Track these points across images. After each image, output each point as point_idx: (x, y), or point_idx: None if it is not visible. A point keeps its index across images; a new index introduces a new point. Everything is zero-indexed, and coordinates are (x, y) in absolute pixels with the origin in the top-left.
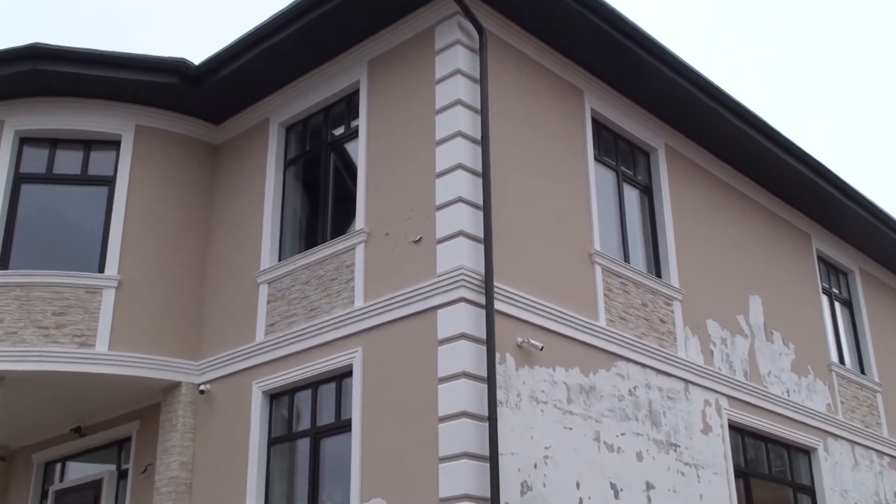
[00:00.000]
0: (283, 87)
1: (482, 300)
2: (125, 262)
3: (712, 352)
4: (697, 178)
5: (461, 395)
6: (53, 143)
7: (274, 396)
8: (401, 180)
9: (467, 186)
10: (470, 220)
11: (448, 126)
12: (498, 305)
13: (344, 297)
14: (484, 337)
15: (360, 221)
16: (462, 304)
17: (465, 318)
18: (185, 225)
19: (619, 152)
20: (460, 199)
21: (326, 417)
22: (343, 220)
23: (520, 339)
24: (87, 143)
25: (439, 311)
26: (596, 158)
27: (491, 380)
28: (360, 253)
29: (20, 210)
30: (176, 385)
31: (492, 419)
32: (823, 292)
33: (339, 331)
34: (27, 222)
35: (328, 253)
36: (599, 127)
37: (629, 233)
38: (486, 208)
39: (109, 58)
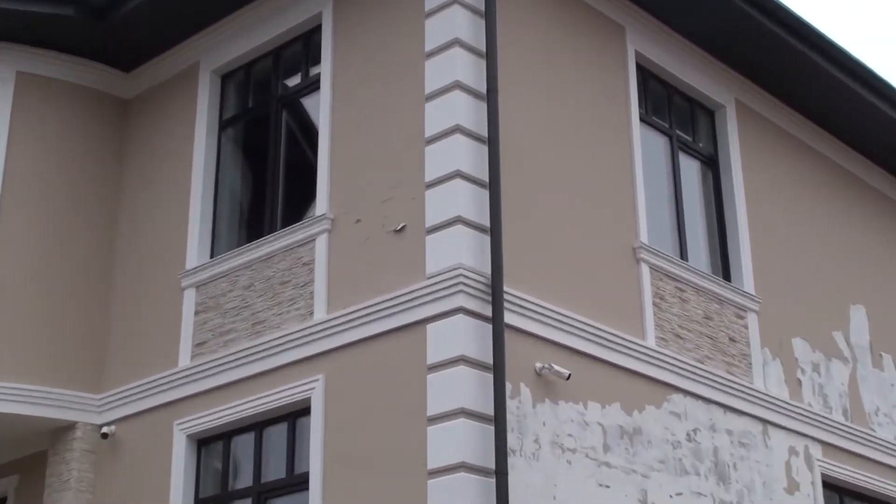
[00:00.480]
0: (217, 22)
1: (487, 311)
2: None
3: (800, 382)
4: (781, 147)
5: (459, 441)
6: None
7: (203, 442)
8: (378, 148)
9: (468, 157)
10: (471, 202)
11: (442, 74)
12: (509, 318)
13: (300, 307)
14: (490, 361)
15: (321, 204)
16: (460, 317)
17: (465, 336)
18: (82, 208)
19: (673, 111)
20: (458, 174)
21: (275, 471)
22: (299, 203)
23: (539, 365)
24: None
25: (429, 327)
26: (642, 119)
27: (500, 420)
28: (321, 247)
29: None
30: (68, 426)
31: (501, 473)
32: None
33: (293, 353)
34: None
35: (279, 247)
36: (647, 76)
37: (687, 220)
38: (494, 187)
39: None
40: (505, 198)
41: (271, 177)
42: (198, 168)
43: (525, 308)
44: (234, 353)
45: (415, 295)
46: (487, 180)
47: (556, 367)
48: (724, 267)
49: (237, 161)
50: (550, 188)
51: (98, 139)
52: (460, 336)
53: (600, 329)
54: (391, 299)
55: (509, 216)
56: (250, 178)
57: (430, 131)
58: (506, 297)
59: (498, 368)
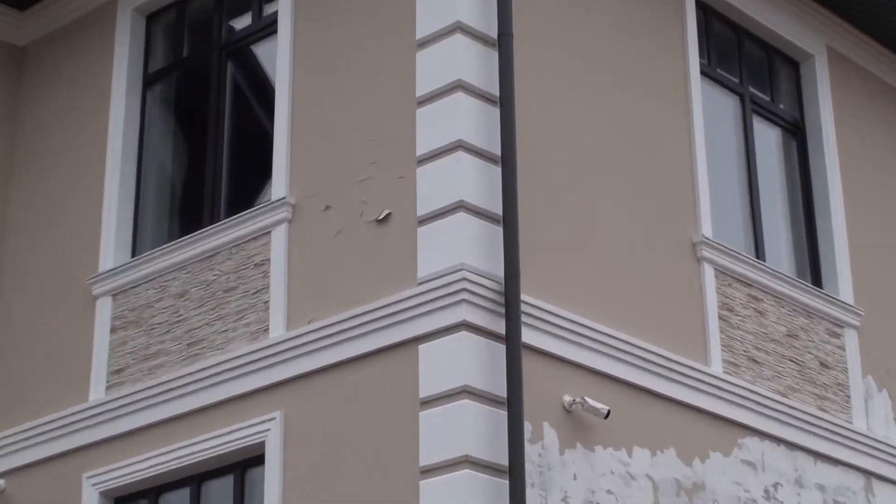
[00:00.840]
0: None
1: (500, 327)
2: None
3: None
4: (887, 110)
5: (462, 500)
6: None
7: (121, 501)
8: (353, 111)
9: (473, 122)
10: (478, 182)
11: (439, 14)
12: (528, 336)
13: (250, 323)
14: (503, 394)
15: (279, 185)
16: (463, 335)
17: (470, 360)
18: None
19: (745, 62)
20: (460, 145)
21: None
22: (250, 184)
23: (568, 399)
24: None
25: (422, 348)
26: (704, 73)
27: (516, 472)
28: (279, 242)
29: None
30: None
31: None
32: None
33: (242, 382)
34: None
35: (223, 242)
36: (710, 17)
37: (764, 206)
38: (507, 163)
39: None
40: (522, 177)
41: (213, 149)
42: (115, 137)
43: (549, 323)
44: (162, 384)
45: (402, 306)
46: (499, 154)
47: (592, 402)
48: (813, 269)
49: (167, 128)
50: (582, 165)
51: None
52: (463, 360)
53: (649, 351)
54: (371, 312)
55: (528, 201)
56: (185, 151)
57: (422, 89)
58: (524, 308)
59: (514, 403)
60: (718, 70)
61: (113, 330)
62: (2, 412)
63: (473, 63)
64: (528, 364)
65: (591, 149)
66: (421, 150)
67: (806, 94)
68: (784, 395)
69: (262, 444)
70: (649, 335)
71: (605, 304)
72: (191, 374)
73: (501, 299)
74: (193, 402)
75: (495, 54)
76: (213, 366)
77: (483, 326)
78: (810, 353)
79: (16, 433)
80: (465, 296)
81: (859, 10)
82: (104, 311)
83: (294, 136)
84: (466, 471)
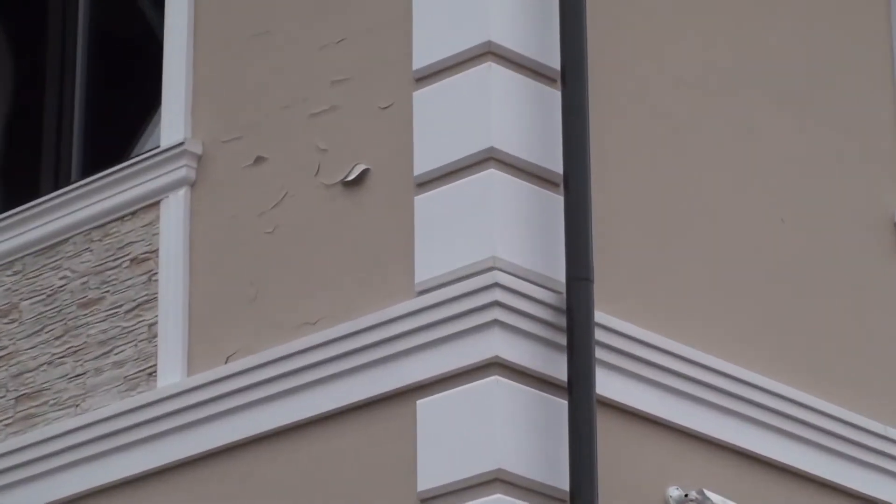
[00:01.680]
0: None
1: (557, 369)
2: None
3: None
4: None
5: None
6: None
7: None
8: None
9: (510, 12)
10: (520, 117)
11: None
12: (607, 385)
13: (122, 361)
14: (562, 485)
15: (172, 124)
16: (495, 383)
17: (506, 426)
18: None
19: None
20: (490, 51)
21: None
22: (122, 126)
23: (677, 493)
24: None
25: (422, 405)
26: None
27: None
28: (174, 220)
29: None
30: None
31: None
32: None
33: (113, 465)
34: None
35: (74, 220)
36: None
37: None
38: (573, 82)
39: None
40: (597, 110)
41: (57, 67)
42: None
43: (644, 362)
44: None
45: (387, 333)
46: (558, 67)
47: (715, 498)
48: None
49: None
50: (688, 102)
51: None
52: (495, 427)
53: (821, 413)
54: (329, 345)
55: (603, 155)
56: (9, 71)
57: None
58: (600, 335)
59: (580, 497)
60: None
61: None
62: None
63: None
64: (607, 431)
65: (711, 75)
66: (420, 59)
67: None
68: None
69: None
70: (817, 385)
71: (738, 331)
72: (19, 447)
73: (561, 320)
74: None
75: None
76: (58, 436)
77: (528, 368)
78: None
79: None
80: (499, 314)
81: None
82: None
83: (198, 37)
84: None
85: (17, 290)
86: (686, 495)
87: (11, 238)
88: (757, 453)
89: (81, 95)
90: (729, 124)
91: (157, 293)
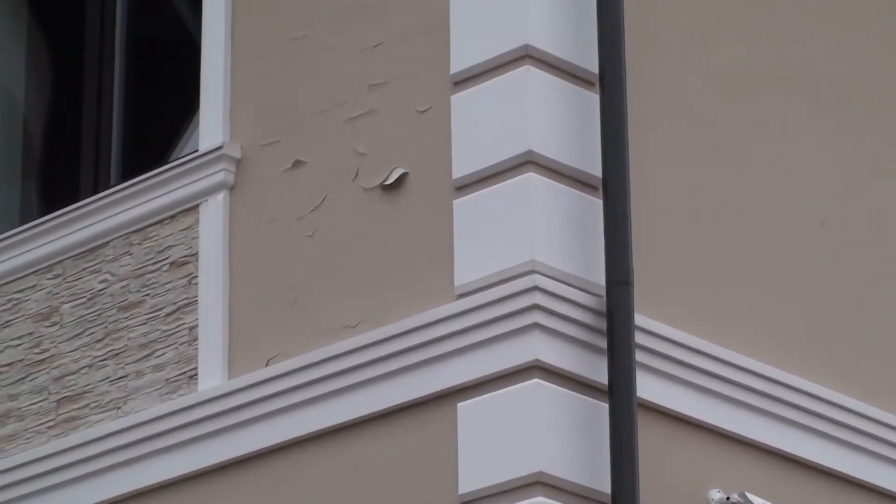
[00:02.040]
0: None
1: (598, 372)
2: None
3: None
4: None
5: None
6: None
7: None
8: (338, 3)
9: (548, 16)
10: (558, 120)
11: None
12: (648, 388)
13: (164, 365)
14: (604, 487)
15: (211, 127)
16: (536, 386)
17: (547, 430)
18: None
19: None
20: (527, 55)
21: None
22: (161, 130)
23: (719, 496)
24: None
25: (463, 407)
26: None
27: None
28: (214, 223)
29: None
30: None
31: None
32: None
33: (155, 466)
34: None
35: (113, 224)
36: None
37: None
38: (611, 84)
39: None
40: (636, 113)
41: (96, 71)
42: None
43: (685, 366)
44: (8, 472)
45: (427, 336)
46: (596, 69)
47: (758, 501)
48: None
49: (17, 35)
50: (745, 84)
51: None
52: (536, 430)
53: (861, 413)
54: (370, 348)
55: (642, 156)
56: (50, 74)
57: None
58: (641, 338)
59: (622, 501)
60: None
61: None
62: None
63: None
64: (648, 434)
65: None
66: (458, 63)
67: None
68: None
69: None
70: (859, 388)
71: (779, 333)
72: (56, 452)
73: (601, 324)
74: None
75: None
76: (96, 439)
77: (569, 371)
78: None
79: None
80: (539, 317)
81: None
82: None
83: (236, 40)
84: None
85: (57, 293)
86: (728, 498)
87: (52, 242)
88: (799, 456)
89: (120, 99)
90: (768, 126)
91: (196, 296)
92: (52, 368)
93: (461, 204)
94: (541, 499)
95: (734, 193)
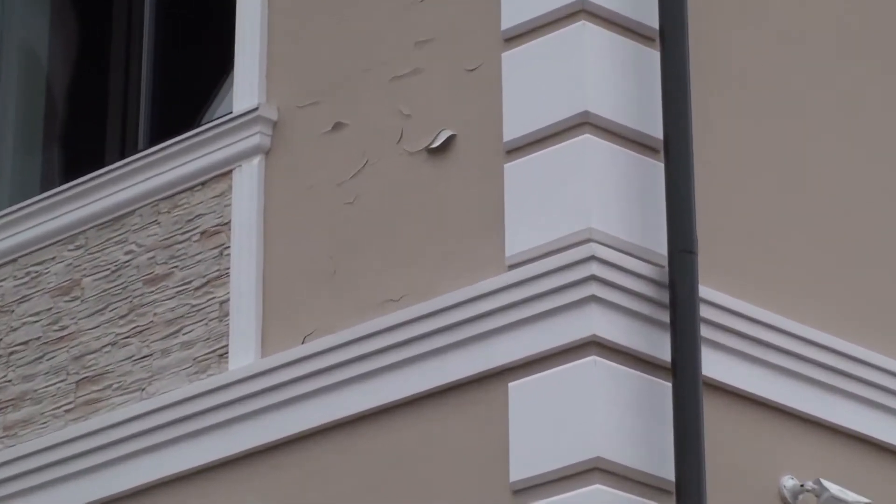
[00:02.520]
0: None
1: (660, 349)
2: None
3: None
4: None
5: None
6: None
7: None
8: None
9: None
10: (616, 80)
11: None
12: (714, 365)
13: (195, 341)
14: (668, 475)
15: (246, 88)
16: (593, 363)
17: (605, 411)
18: None
19: None
20: (583, 9)
21: None
22: (192, 92)
23: (791, 483)
24: None
25: (514, 387)
26: None
27: None
28: (248, 190)
29: None
30: None
31: None
32: None
33: (186, 450)
34: None
35: (141, 191)
36: None
37: None
38: (672, 41)
39: None
40: (698, 71)
41: (124, 29)
42: None
43: (755, 342)
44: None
45: (477, 310)
46: (657, 26)
47: (836, 490)
48: None
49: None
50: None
51: None
52: (594, 411)
53: None
54: (415, 322)
55: (705, 118)
56: (74, 33)
57: None
58: (706, 312)
59: (689, 493)
60: None
61: None
62: None
63: None
64: (715, 415)
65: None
66: (509, 18)
67: None
68: None
69: None
70: None
71: (854, 307)
72: (78, 435)
73: (663, 296)
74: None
75: None
76: (125, 421)
77: (628, 347)
78: None
79: None
80: (596, 289)
81: None
82: None
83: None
84: None
85: (79, 265)
86: (802, 485)
87: (74, 210)
88: (879, 439)
89: (149, 59)
90: (837, 90)
91: (228, 268)
92: (72, 347)
93: (512, 168)
94: (598, 486)
95: (802, 156)
